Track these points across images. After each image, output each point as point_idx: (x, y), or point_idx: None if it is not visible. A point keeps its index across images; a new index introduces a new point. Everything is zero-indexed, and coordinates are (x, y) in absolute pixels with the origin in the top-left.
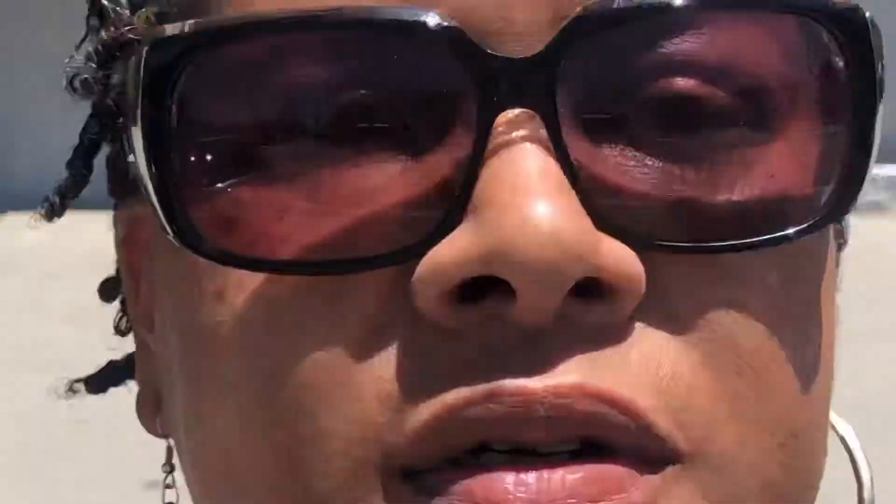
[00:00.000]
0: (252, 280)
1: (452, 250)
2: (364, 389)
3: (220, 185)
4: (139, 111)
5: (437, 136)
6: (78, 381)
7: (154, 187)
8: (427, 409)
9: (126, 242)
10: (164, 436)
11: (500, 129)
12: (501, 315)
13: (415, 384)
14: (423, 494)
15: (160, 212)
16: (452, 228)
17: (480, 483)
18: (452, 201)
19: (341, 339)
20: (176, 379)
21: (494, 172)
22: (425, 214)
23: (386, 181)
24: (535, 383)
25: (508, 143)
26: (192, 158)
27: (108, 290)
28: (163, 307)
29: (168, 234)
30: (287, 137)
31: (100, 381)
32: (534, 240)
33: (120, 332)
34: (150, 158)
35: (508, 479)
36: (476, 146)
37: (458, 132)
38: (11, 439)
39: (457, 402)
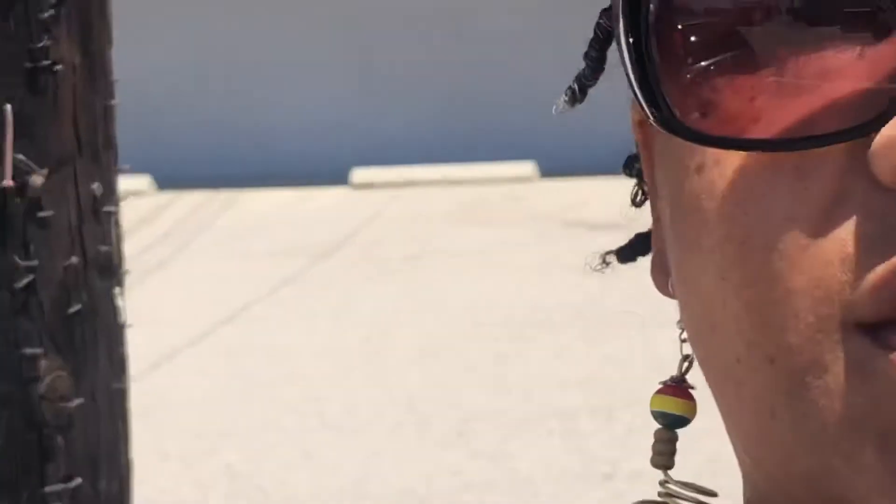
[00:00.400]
0: (727, 156)
1: None
2: (828, 253)
3: (695, 69)
4: (620, 1)
5: (883, 32)
6: (609, 252)
7: (634, 75)
8: (883, 267)
9: (641, 124)
10: (673, 296)
11: None
12: None
13: (873, 246)
14: (877, 347)
15: (641, 98)
16: None
17: None
18: None
19: (806, 208)
20: (671, 244)
21: None
22: (881, 93)
23: (845, 63)
24: None
25: None
26: (668, 45)
27: (629, 165)
28: (660, 180)
29: (649, 118)
30: (761, 19)
31: (629, 251)
32: None
33: (634, 203)
34: (630, 47)
35: None
36: None
37: None
38: None
39: None
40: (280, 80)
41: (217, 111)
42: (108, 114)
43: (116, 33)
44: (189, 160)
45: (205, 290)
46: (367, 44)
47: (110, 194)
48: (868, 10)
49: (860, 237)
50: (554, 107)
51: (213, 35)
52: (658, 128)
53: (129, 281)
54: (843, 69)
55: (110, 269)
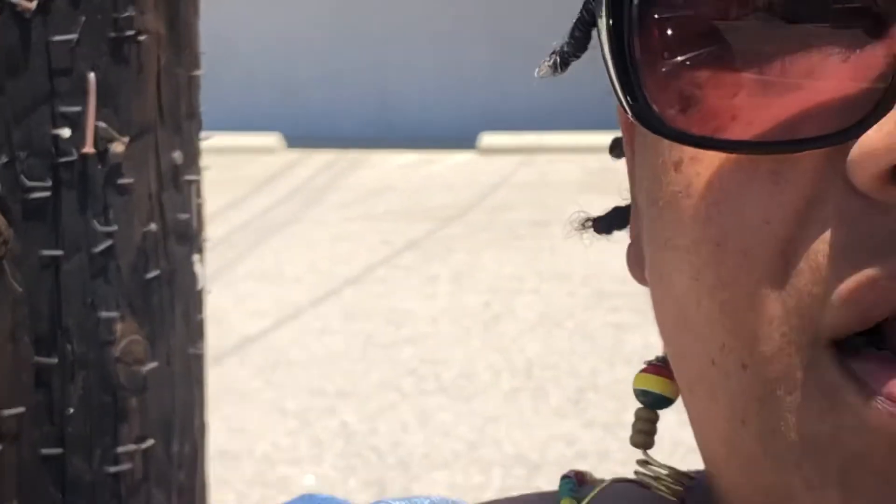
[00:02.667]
0: (704, 154)
1: (881, 136)
2: (800, 261)
3: (676, 63)
4: None
5: (877, 29)
6: (589, 219)
7: (613, 66)
8: (852, 281)
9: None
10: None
11: None
12: None
13: (844, 255)
14: (847, 379)
15: (619, 90)
16: (883, 115)
17: None
18: (884, 90)
19: (780, 211)
20: (646, 238)
21: None
22: (860, 101)
23: (829, 64)
24: None
25: None
26: (650, 37)
27: (615, 148)
28: (639, 172)
29: (627, 112)
30: (746, 14)
31: (606, 223)
32: None
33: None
34: (611, 36)
35: None
36: None
37: (893, 30)
38: None
39: (877, 275)
40: (410, 42)
41: (348, 73)
42: (192, 84)
43: None
44: (319, 120)
45: (329, 250)
46: (500, 6)
47: (191, 163)
48: (855, 8)
49: (832, 245)
50: (536, 70)
51: None
52: (635, 122)
53: (254, 238)
54: (826, 70)
55: (189, 237)
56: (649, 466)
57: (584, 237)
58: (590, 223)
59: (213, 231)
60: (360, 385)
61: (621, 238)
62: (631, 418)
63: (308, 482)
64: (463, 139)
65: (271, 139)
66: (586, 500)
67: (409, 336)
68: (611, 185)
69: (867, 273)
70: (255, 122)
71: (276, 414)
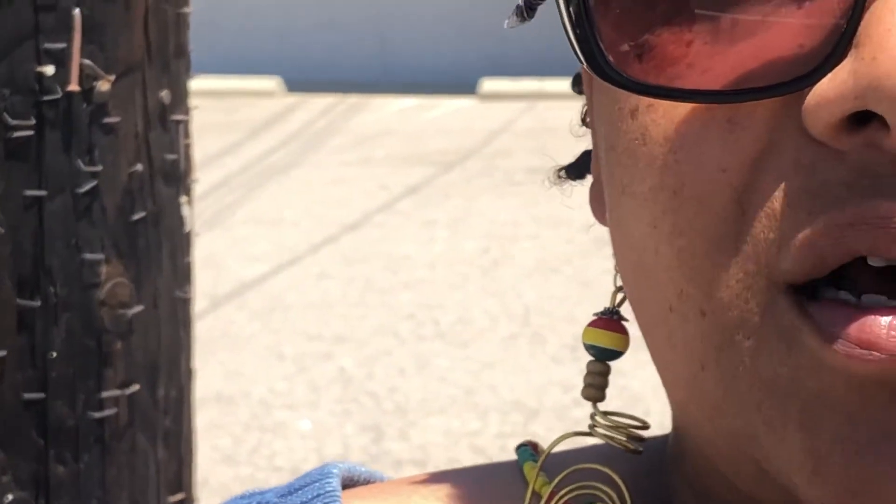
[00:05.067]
0: (661, 101)
1: (834, 86)
2: (755, 208)
3: (628, 12)
4: None
5: None
6: (562, 168)
7: (566, 14)
8: (809, 228)
9: None
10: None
11: None
12: (879, 143)
13: (800, 202)
14: (804, 320)
15: (573, 40)
16: (837, 63)
17: (856, 324)
18: (838, 38)
19: (736, 159)
20: (605, 183)
21: (875, 13)
22: (815, 49)
23: (781, 18)
24: None
25: None
26: None
27: (577, 83)
28: (596, 117)
29: (581, 61)
30: None
31: (577, 169)
32: None
33: (584, 123)
34: None
35: (883, 321)
36: None
37: None
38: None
39: (832, 221)
40: None
41: (348, 16)
42: (180, 22)
43: None
44: (319, 64)
45: (327, 194)
46: None
47: (179, 103)
48: None
49: (787, 192)
50: (506, 21)
51: None
52: (589, 71)
53: (253, 182)
54: (782, 16)
55: (177, 178)
56: (609, 417)
57: (580, 185)
58: (562, 172)
59: (211, 175)
60: (358, 330)
61: None
62: (628, 366)
63: (304, 427)
64: (463, 84)
65: (270, 83)
66: (543, 455)
67: (407, 281)
68: None
69: (823, 219)
70: (255, 66)
71: (273, 358)
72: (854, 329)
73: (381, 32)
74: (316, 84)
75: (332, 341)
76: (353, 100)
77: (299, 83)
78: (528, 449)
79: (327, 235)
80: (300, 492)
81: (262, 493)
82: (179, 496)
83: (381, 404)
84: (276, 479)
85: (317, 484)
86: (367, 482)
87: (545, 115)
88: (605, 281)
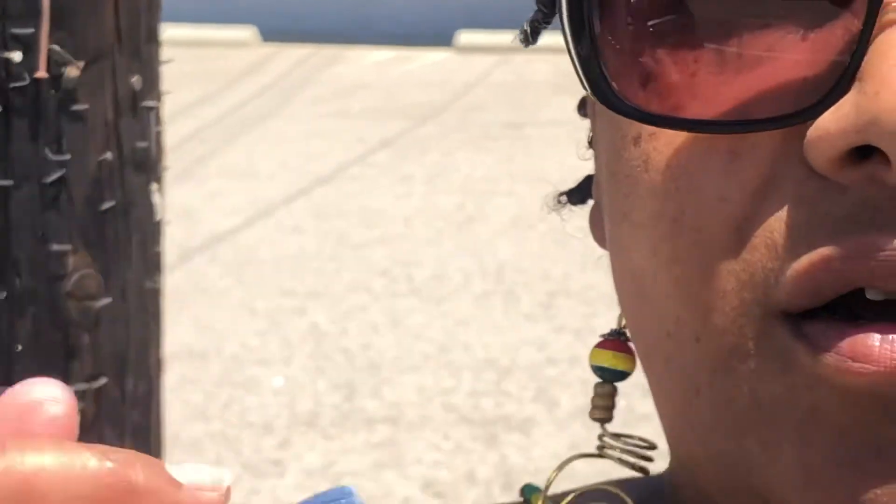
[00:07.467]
0: (663, 130)
1: (836, 119)
2: (756, 237)
3: (634, 41)
4: None
5: (834, 12)
6: (562, 193)
7: (573, 42)
8: (806, 259)
9: None
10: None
11: (891, 5)
12: (881, 177)
13: (800, 234)
14: (798, 340)
15: (578, 67)
16: (840, 97)
17: (849, 339)
18: (841, 72)
19: (737, 190)
20: (605, 210)
21: (879, 48)
22: (818, 83)
23: (785, 51)
24: None
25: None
26: (610, 12)
27: (583, 107)
28: (599, 143)
29: (586, 89)
30: None
31: (579, 194)
32: None
33: (590, 146)
34: (570, 12)
35: (875, 336)
36: (866, 22)
37: (853, 8)
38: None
39: (832, 254)
40: None
41: None
42: (152, 6)
43: None
44: (294, 13)
45: (302, 147)
46: None
47: (151, 89)
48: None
49: (788, 224)
50: (512, 39)
51: None
52: (594, 99)
53: (227, 134)
54: (786, 49)
55: (147, 166)
56: (620, 439)
57: (561, 140)
58: (564, 198)
59: (183, 126)
60: (331, 286)
61: None
62: (602, 324)
63: (276, 384)
64: (440, 36)
65: (245, 33)
66: (548, 482)
67: (382, 236)
68: None
69: (822, 251)
70: (230, 15)
71: (246, 313)
72: (847, 343)
73: None
74: (291, 34)
75: (306, 296)
76: (328, 51)
77: (274, 33)
78: (534, 485)
79: (302, 188)
80: None
81: None
82: None
83: (354, 361)
84: (248, 436)
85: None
86: None
87: (522, 69)
88: (580, 239)
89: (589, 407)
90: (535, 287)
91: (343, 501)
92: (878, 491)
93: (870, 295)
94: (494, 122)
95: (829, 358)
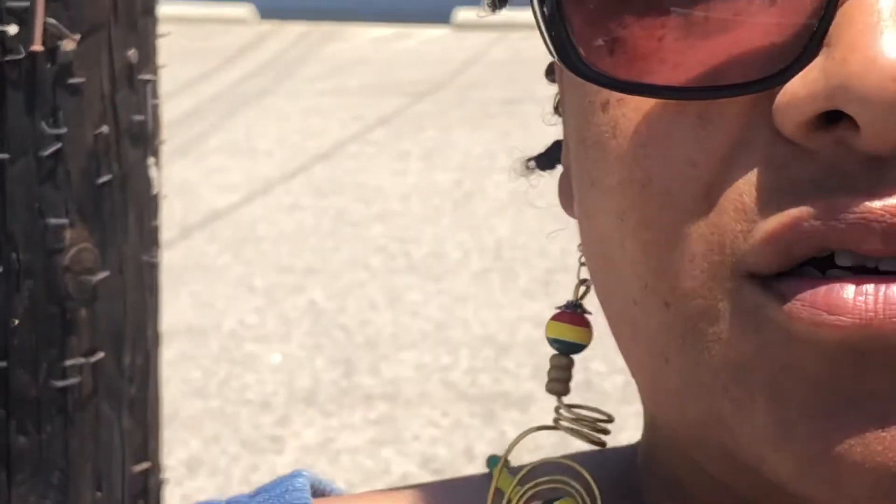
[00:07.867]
0: (631, 96)
1: (804, 85)
2: (724, 201)
3: (600, 5)
4: None
5: None
6: (531, 158)
7: (538, 7)
8: (776, 220)
9: None
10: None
11: None
12: (849, 142)
13: (770, 197)
14: (769, 296)
15: (544, 32)
16: (808, 62)
17: (823, 291)
18: (809, 37)
19: (706, 154)
20: (573, 176)
21: (847, 11)
22: (786, 48)
23: (754, 15)
24: (874, 203)
25: None
26: None
27: (550, 73)
28: (567, 109)
29: (553, 54)
30: None
31: (548, 159)
32: (875, 77)
33: (557, 112)
34: None
35: (849, 288)
36: None
37: None
38: None
39: (801, 215)
40: None
41: None
42: None
43: None
44: None
45: (300, 124)
46: None
47: (147, 62)
48: None
49: (758, 188)
50: (477, 10)
51: None
52: (561, 65)
53: (225, 111)
54: (754, 13)
55: (144, 139)
56: (573, 410)
57: (555, 117)
58: (532, 162)
59: (182, 103)
60: (329, 262)
61: None
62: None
63: (274, 360)
64: (437, 13)
65: (244, 10)
66: (506, 451)
67: (379, 213)
68: None
69: (791, 212)
70: None
71: (244, 290)
72: (822, 295)
73: None
74: (289, 12)
75: (304, 273)
76: (326, 28)
77: (272, 10)
78: (498, 456)
79: (300, 165)
80: (270, 491)
81: (235, 499)
82: (145, 465)
83: (353, 338)
84: (247, 412)
85: (287, 482)
86: (331, 493)
87: (519, 46)
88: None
89: (587, 383)
90: (533, 264)
91: (288, 483)
92: (853, 441)
93: (839, 261)
94: (492, 99)
95: (804, 311)
